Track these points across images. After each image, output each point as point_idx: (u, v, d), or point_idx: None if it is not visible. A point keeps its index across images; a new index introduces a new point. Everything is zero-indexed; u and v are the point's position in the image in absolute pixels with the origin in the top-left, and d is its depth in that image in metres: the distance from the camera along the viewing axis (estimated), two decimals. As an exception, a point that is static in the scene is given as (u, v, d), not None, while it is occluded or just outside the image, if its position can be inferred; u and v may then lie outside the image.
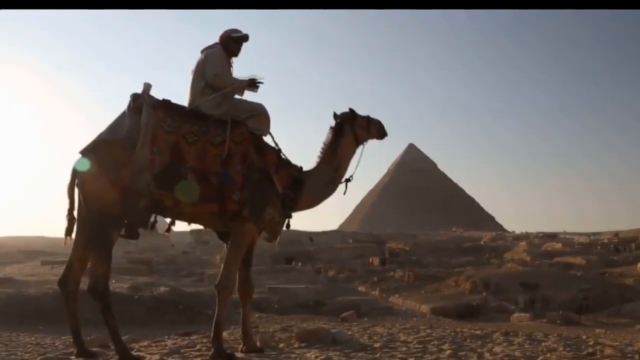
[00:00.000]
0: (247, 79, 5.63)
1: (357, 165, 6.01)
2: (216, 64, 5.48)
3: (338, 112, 6.00)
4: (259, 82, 5.66)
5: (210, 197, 5.20)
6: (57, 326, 10.77)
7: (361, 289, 23.48)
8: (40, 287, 15.50)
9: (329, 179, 5.86)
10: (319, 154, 5.92)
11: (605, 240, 44.97)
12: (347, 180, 5.95)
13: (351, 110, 5.97)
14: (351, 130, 5.91)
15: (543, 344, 6.59)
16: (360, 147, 6.02)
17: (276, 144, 5.69)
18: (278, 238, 5.72)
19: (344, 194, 6.00)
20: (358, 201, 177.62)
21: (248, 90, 5.69)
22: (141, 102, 5.19)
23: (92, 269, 5.05)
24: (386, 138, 6.20)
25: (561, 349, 6.19)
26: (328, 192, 5.93)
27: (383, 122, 6.12)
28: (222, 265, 5.55)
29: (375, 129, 6.05)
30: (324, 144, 5.95)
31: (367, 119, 6.02)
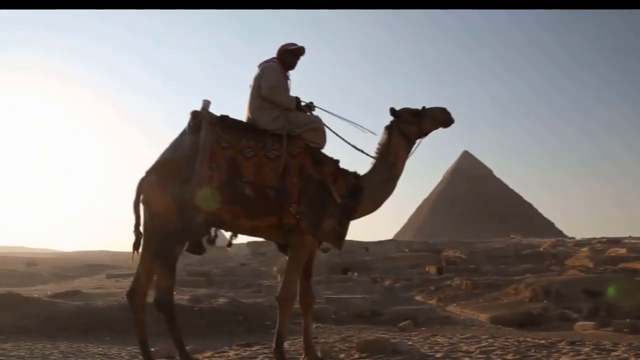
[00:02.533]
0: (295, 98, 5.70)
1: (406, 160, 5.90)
2: (272, 77, 5.58)
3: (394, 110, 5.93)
4: (313, 107, 5.75)
5: (268, 211, 5.30)
6: (122, 337, 11.11)
7: (418, 298, 23.22)
8: (106, 300, 16.02)
9: (385, 178, 5.81)
10: (374, 154, 5.92)
11: (674, 244, 43.06)
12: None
13: (391, 109, 5.89)
14: (397, 127, 5.86)
15: (612, 353, 6.36)
16: (417, 142, 5.90)
17: (345, 141, 5.75)
18: (342, 247, 5.74)
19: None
20: (413, 210, 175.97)
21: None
22: (200, 119, 5.36)
23: (158, 282, 5.25)
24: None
25: (633, 359, 5.98)
26: (387, 192, 5.87)
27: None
28: (282, 277, 5.63)
29: (429, 120, 5.81)
30: (379, 144, 5.94)
31: (413, 112, 5.84)
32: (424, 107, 5.85)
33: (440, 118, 5.83)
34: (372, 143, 5.99)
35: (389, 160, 5.82)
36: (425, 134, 5.90)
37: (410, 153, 5.92)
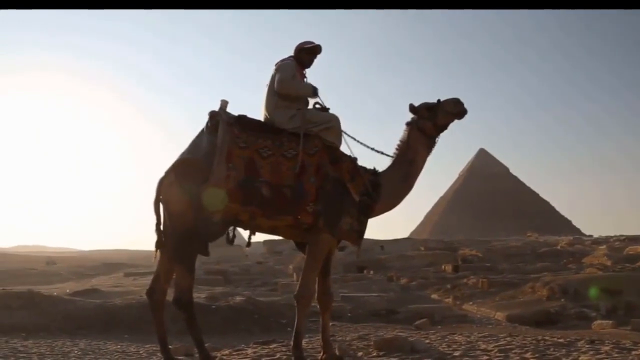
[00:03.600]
0: (312, 86, 5.70)
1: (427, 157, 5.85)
2: (286, 73, 5.59)
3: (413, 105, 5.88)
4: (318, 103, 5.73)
5: (285, 210, 5.33)
6: (141, 335, 11.22)
7: (434, 296, 23.13)
8: (124, 298, 16.16)
9: (404, 175, 5.80)
10: (394, 151, 5.92)
11: (693, 242, 42.49)
12: None
13: (410, 105, 5.87)
14: (415, 123, 5.85)
15: (633, 352, 6.30)
16: (438, 137, 5.85)
17: (365, 145, 5.75)
18: (360, 245, 5.75)
19: None
20: (429, 208, 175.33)
21: (312, 99, 5.74)
22: (218, 120, 5.40)
23: (177, 281, 5.30)
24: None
25: (653, 358, 5.92)
26: (405, 190, 5.86)
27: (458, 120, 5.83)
28: (300, 275, 5.66)
29: (442, 113, 5.75)
30: (400, 141, 5.93)
31: (428, 107, 5.79)
32: (438, 100, 5.79)
33: (452, 110, 5.77)
34: (393, 142, 6.00)
35: (407, 156, 5.81)
36: (442, 129, 5.84)
37: (431, 149, 5.89)
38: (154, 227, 5.41)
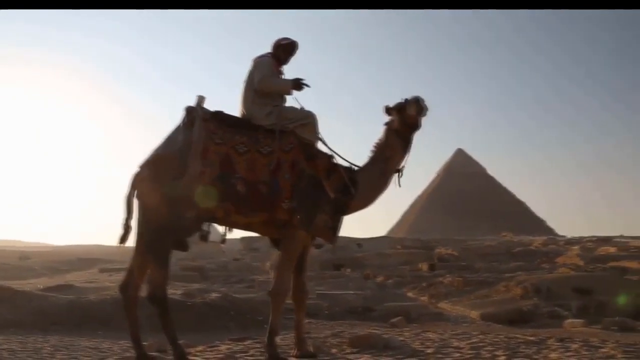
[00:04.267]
0: (291, 79, 5.71)
1: (406, 156, 5.86)
2: (263, 70, 5.61)
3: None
4: (304, 84, 5.72)
5: (260, 207, 5.34)
6: (115, 331, 11.11)
7: (410, 294, 23.26)
8: (99, 293, 15.97)
9: (380, 172, 5.83)
10: (371, 149, 5.95)
11: (664, 244, 43.30)
12: (398, 171, 5.85)
13: (385, 107, 5.91)
14: (390, 124, 5.89)
15: (601, 350, 6.44)
16: (412, 136, 5.85)
17: (329, 148, 5.77)
18: (335, 243, 5.78)
19: (399, 185, 5.89)
20: (406, 207, 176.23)
21: (294, 91, 5.73)
22: (194, 115, 5.39)
23: (151, 276, 5.28)
24: (427, 113, 5.74)
25: (620, 356, 6.04)
26: (380, 187, 5.88)
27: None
28: (275, 272, 5.67)
29: (406, 113, 5.75)
30: (379, 140, 5.97)
31: (397, 107, 5.82)
32: (405, 100, 5.78)
33: (413, 111, 5.72)
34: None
35: (384, 154, 5.85)
36: (412, 127, 5.81)
37: (407, 149, 5.90)
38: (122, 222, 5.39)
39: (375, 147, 5.94)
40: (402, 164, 5.87)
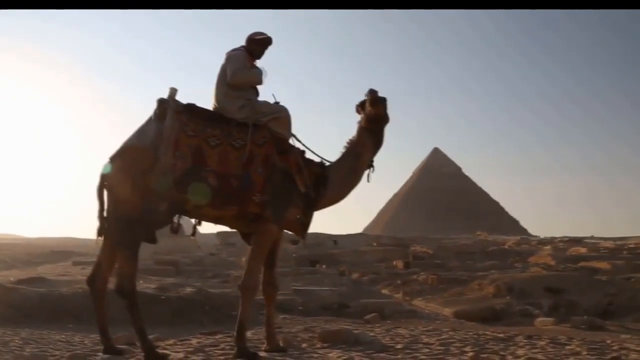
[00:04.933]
0: (260, 70, 5.72)
1: (377, 150, 5.94)
2: (236, 64, 5.60)
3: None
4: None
5: (232, 200, 5.32)
6: (86, 324, 10.97)
7: (385, 291, 23.40)
8: (71, 287, 15.75)
9: (350, 169, 5.88)
10: (344, 146, 5.99)
11: (632, 245, 44.13)
12: (369, 166, 5.92)
13: (357, 106, 6.00)
14: (360, 121, 5.96)
15: (566, 347, 6.57)
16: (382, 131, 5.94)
17: (302, 144, 5.80)
18: (305, 237, 5.81)
19: (367, 181, 5.95)
20: (382, 205, 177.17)
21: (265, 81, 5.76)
22: (166, 107, 5.35)
23: (119, 268, 5.23)
24: (380, 105, 5.83)
25: (585, 353, 6.17)
26: (352, 183, 5.93)
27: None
28: (245, 266, 5.68)
29: (366, 106, 5.87)
30: (350, 137, 6.03)
31: (361, 103, 5.93)
32: (367, 93, 5.88)
33: (368, 103, 5.84)
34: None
35: (355, 151, 5.90)
36: (375, 121, 5.88)
37: (378, 145, 5.97)
38: (96, 214, 5.34)
39: (347, 143, 5.99)
40: (372, 158, 5.94)
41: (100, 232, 5.38)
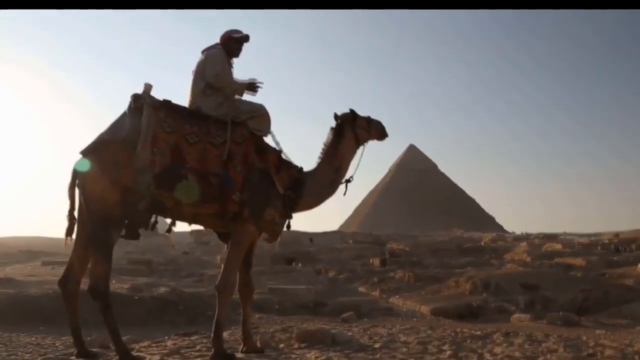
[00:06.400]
0: (247, 81, 5.68)
1: (357, 166, 6.03)
2: (217, 64, 5.50)
3: (338, 113, 6.01)
4: (258, 86, 5.72)
5: (211, 198, 5.21)
6: (57, 327, 10.74)
7: (361, 289, 23.43)
8: (40, 288, 15.44)
9: (330, 180, 5.87)
10: (319, 154, 5.93)
11: (606, 241, 44.95)
12: (347, 181, 5.96)
13: (352, 111, 5.98)
14: (352, 131, 5.93)
15: (543, 344, 6.60)
16: (361, 147, 6.03)
17: (277, 144, 5.71)
18: (278, 239, 5.74)
19: (344, 194, 6.01)
20: (358, 202, 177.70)
21: (247, 93, 5.75)
22: (142, 102, 5.20)
23: (93, 269, 5.06)
24: (387, 139, 6.20)
25: (561, 350, 6.20)
26: (328, 193, 5.95)
27: (383, 123, 6.12)
28: (222, 266, 5.57)
29: (375, 130, 6.06)
30: (325, 144, 5.96)
31: (368, 119, 6.03)
32: (369, 117, 6.06)
33: (381, 132, 6.11)
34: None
35: (334, 163, 5.88)
36: (363, 143, 6.06)
37: (358, 157, 6.06)
38: (66, 213, 5.17)
39: (325, 152, 5.94)
40: (352, 174, 6.00)
41: (69, 232, 5.21)
